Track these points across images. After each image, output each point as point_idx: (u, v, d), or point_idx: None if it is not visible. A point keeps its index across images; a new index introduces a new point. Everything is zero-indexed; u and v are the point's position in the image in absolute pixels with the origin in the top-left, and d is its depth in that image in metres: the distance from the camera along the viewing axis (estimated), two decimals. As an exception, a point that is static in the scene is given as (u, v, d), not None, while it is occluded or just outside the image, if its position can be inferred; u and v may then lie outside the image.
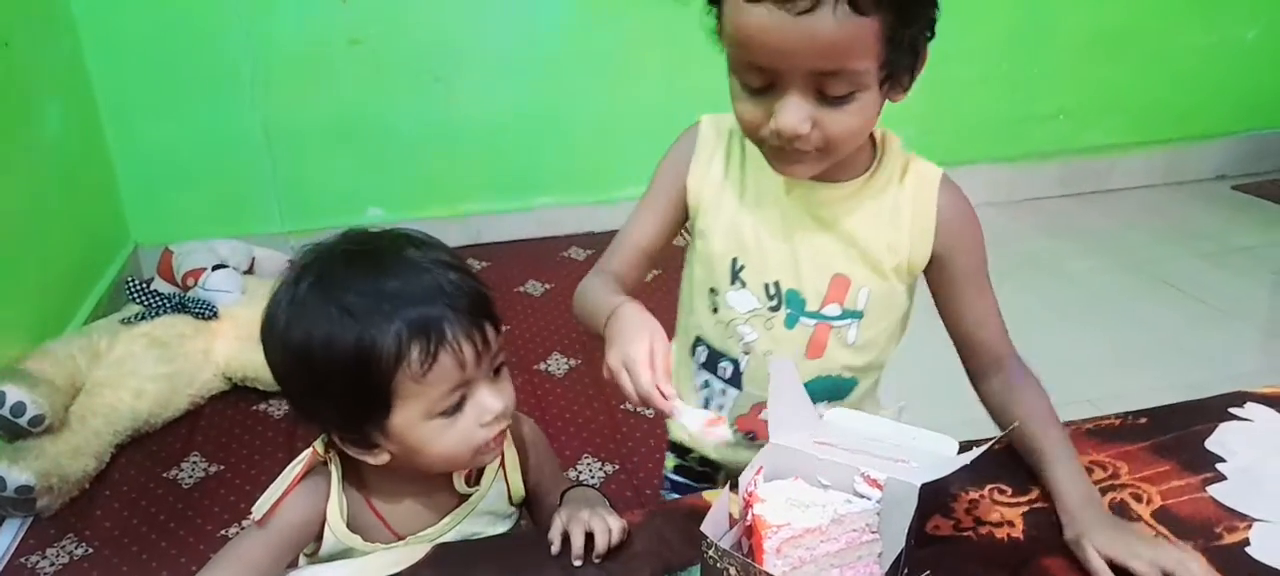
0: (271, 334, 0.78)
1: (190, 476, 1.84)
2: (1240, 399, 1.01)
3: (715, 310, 0.93)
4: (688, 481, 1.09)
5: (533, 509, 0.95)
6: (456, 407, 0.78)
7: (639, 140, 2.98)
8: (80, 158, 2.44)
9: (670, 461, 1.11)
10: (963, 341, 0.92)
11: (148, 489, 1.80)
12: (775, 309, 0.90)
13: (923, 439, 0.76)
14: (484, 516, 0.90)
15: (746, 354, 0.92)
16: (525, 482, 0.93)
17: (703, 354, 0.96)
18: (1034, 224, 3.12)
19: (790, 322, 0.90)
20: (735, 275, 0.90)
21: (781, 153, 0.79)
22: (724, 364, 0.94)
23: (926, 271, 0.90)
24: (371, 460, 0.80)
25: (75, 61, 2.44)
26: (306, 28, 2.59)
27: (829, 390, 0.92)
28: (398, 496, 0.86)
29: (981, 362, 0.92)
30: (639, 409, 0.78)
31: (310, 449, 0.85)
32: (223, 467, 1.87)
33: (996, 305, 0.92)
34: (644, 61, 2.85)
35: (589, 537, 0.79)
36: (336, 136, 2.73)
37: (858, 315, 0.89)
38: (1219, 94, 3.40)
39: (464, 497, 0.89)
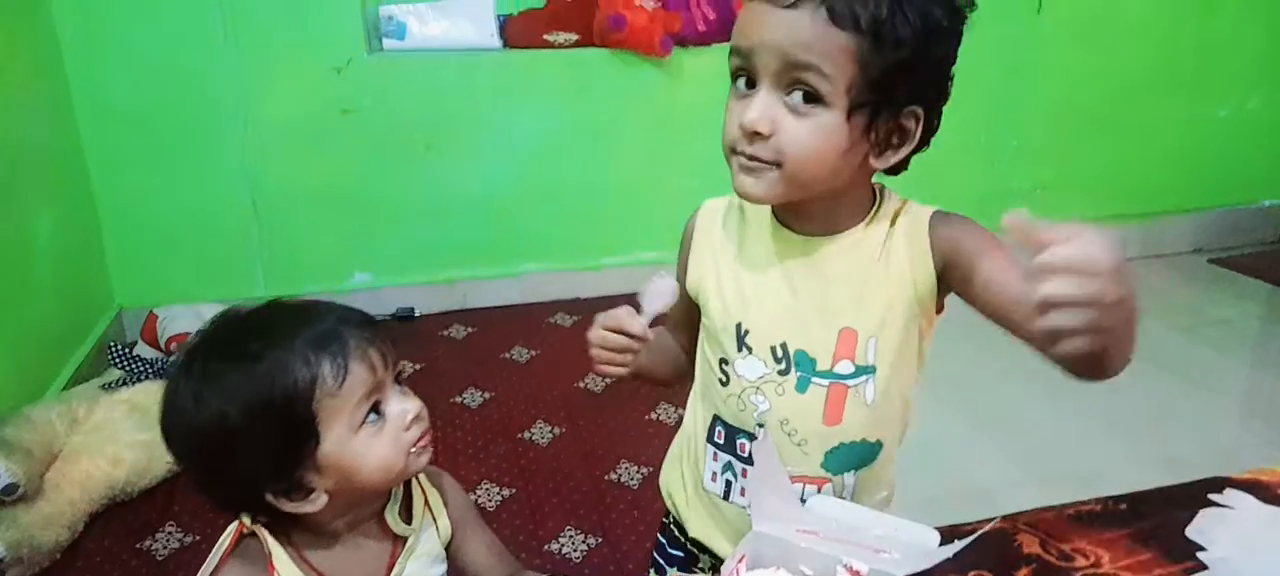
0: (178, 421, 0.78)
1: (164, 547, 1.81)
2: (1219, 485, 1.02)
3: (725, 382, 0.91)
4: (673, 552, 1.06)
5: (455, 554, 0.94)
6: (376, 415, 0.81)
7: (625, 208, 3.05)
8: (67, 219, 2.43)
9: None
10: (1003, 303, 0.80)
11: (120, 559, 1.77)
12: (784, 372, 0.87)
13: (904, 529, 0.76)
14: (423, 559, 0.90)
15: (760, 426, 0.89)
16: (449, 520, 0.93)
17: (721, 433, 0.93)
18: (1015, 295, 3.14)
19: (802, 386, 0.87)
20: (741, 341, 0.88)
21: (743, 164, 0.81)
22: (741, 440, 0.91)
23: (939, 280, 0.85)
24: (311, 507, 0.80)
25: (67, 123, 2.45)
26: (300, 97, 2.62)
27: (854, 457, 0.89)
28: (332, 549, 0.85)
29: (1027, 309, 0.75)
30: (611, 358, 0.89)
31: (235, 524, 0.83)
32: (198, 538, 1.83)
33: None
34: (629, 131, 2.90)
35: None
36: (325, 203, 2.74)
37: (870, 370, 0.87)
38: (1194, 169, 3.49)
39: (401, 539, 0.88)
